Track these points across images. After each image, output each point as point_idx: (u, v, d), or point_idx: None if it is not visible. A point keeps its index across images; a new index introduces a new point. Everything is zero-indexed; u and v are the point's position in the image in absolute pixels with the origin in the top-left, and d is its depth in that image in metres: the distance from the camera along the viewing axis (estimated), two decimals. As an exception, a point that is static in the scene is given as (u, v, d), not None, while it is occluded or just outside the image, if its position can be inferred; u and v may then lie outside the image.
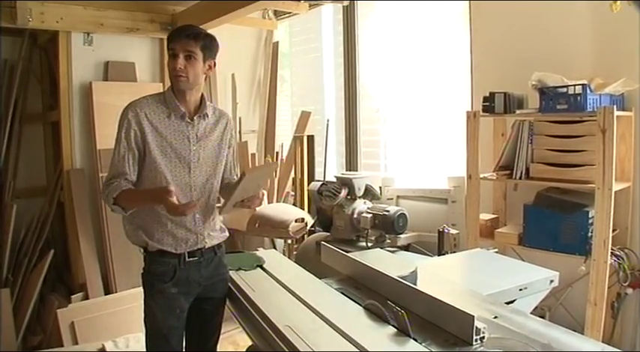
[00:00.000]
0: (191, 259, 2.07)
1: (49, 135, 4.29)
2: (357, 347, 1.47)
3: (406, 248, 3.34)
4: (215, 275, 2.17)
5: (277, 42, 4.97)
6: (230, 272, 2.26)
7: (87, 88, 3.94)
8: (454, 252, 2.93)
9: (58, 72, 3.87)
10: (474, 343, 1.44)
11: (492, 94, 2.83)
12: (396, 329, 1.56)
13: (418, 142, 3.98)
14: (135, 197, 2.02)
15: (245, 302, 1.99)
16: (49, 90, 4.21)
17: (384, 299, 1.72)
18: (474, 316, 1.43)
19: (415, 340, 1.49)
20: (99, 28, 3.91)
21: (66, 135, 3.89)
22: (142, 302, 2.12)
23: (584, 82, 2.49)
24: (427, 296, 1.63)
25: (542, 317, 2.83)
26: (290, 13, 4.59)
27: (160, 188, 1.96)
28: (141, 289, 2.13)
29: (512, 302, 1.95)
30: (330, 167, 4.49)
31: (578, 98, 2.48)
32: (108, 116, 3.91)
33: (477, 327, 1.43)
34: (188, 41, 2.00)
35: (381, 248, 2.80)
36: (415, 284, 1.87)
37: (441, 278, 2.08)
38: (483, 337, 1.45)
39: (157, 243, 2.03)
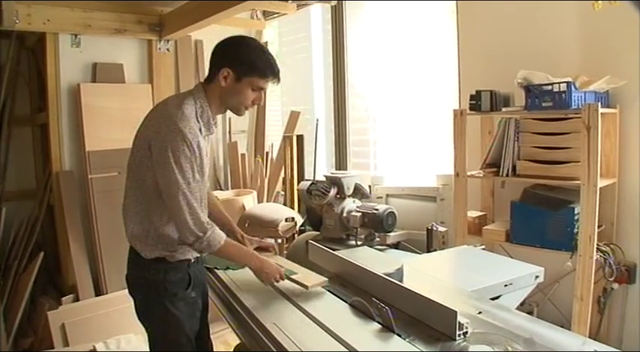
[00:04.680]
0: (194, 260, 2.06)
1: (37, 138, 4.27)
2: (341, 344, 1.48)
3: (396, 246, 3.35)
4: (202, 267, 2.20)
5: (266, 42, 4.97)
6: (218, 271, 2.27)
7: (75, 89, 3.93)
8: (443, 250, 2.94)
9: (46, 74, 3.86)
10: (457, 338, 1.45)
11: (479, 92, 2.85)
12: (381, 326, 1.58)
13: (407, 141, 4.00)
14: (234, 255, 2.00)
15: (233, 300, 2.00)
16: (37, 92, 4.19)
17: (370, 296, 1.74)
18: (456, 311, 1.44)
19: (399, 336, 1.50)
20: (86, 30, 3.90)
21: (54, 137, 3.89)
22: (142, 308, 2.04)
23: (569, 79, 2.51)
24: (411, 293, 1.64)
25: (530, 312, 2.86)
26: (278, 13, 4.60)
27: (273, 266, 1.96)
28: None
29: (497, 297, 1.96)
30: (320, 166, 4.49)
31: (563, 95, 2.51)
32: (97, 118, 3.92)
33: (459, 322, 1.45)
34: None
35: (371, 246, 2.81)
36: (401, 282, 1.89)
37: (427, 275, 2.09)
38: (467, 332, 1.47)
39: (177, 253, 1.97)
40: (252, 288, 2.04)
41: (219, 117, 2.13)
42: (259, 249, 2.27)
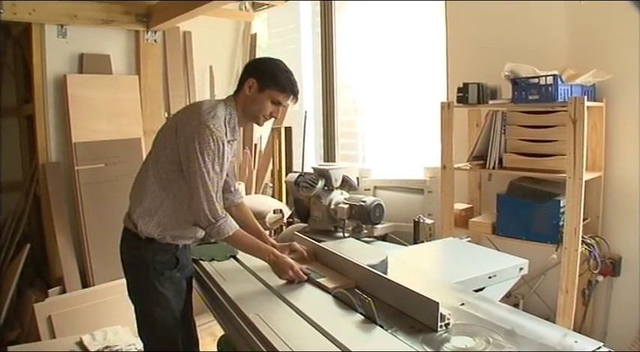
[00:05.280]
0: (181, 246, 2.17)
1: (24, 129, 4.23)
2: (323, 334, 1.48)
3: (383, 238, 3.36)
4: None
5: (255, 34, 4.94)
6: (203, 262, 2.29)
7: (61, 80, 3.88)
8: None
9: (32, 64, 3.80)
10: (439, 329, 1.46)
11: (466, 85, 2.85)
12: (363, 317, 1.58)
13: (395, 133, 4.00)
14: (248, 247, 2.10)
15: (216, 291, 2.00)
16: (23, 83, 4.14)
17: (354, 287, 1.74)
18: (438, 303, 1.45)
19: (381, 327, 1.50)
20: (73, 20, 3.85)
21: (41, 129, 3.83)
22: (126, 294, 2.16)
23: (556, 72, 2.52)
24: (394, 284, 1.64)
25: (516, 305, 2.88)
26: (267, 5, 4.58)
27: (287, 262, 2.00)
28: (119, 281, 2.14)
29: (481, 289, 1.97)
30: (309, 158, 4.49)
31: (550, 89, 2.51)
32: (83, 109, 3.88)
33: (441, 314, 1.45)
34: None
35: (358, 238, 2.82)
36: (386, 273, 1.89)
37: (412, 267, 2.10)
38: (449, 323, 1.47)
39: (171, 239, 2.09)
40: (236, 279, 2.06)
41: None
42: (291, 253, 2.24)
